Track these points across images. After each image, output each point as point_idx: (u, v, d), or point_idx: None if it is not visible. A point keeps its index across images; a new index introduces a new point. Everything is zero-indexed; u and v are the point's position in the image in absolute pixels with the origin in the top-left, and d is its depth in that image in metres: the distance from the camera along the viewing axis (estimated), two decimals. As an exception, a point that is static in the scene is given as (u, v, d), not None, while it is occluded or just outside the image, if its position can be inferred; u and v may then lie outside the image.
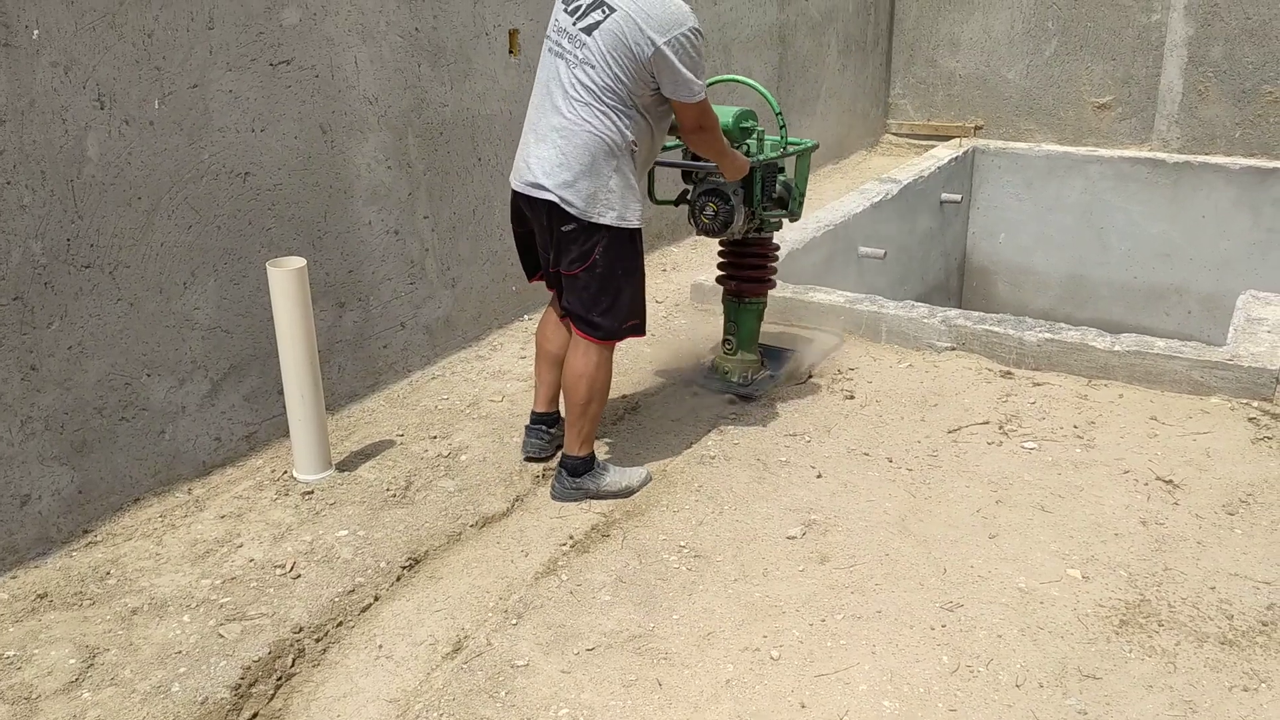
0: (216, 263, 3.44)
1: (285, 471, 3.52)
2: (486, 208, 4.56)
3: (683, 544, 3.16)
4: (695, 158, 3.82)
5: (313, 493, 3.40)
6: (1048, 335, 4.30)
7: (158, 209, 3.23)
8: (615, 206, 3.21)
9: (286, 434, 3.55)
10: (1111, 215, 7.65)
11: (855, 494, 3.42)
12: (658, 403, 4.09)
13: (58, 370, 3.02)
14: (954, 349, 4.47)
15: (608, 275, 3.27)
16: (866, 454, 3.67)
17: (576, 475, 3.39)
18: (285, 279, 3.27)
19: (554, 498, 3.40)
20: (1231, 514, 3.27)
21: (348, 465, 3.58)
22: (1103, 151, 7.72)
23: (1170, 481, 3.46)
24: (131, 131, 3.12)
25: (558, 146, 3.18)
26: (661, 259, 5.76)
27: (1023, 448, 3.71)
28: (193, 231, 3.34)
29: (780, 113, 3.94)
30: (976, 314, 4.58)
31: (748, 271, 4.13)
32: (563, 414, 3.53)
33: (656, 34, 3.09)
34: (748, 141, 3.85)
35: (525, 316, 4.90)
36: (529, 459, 3.62)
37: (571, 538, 3.20)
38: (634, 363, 4.42)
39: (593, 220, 3.19)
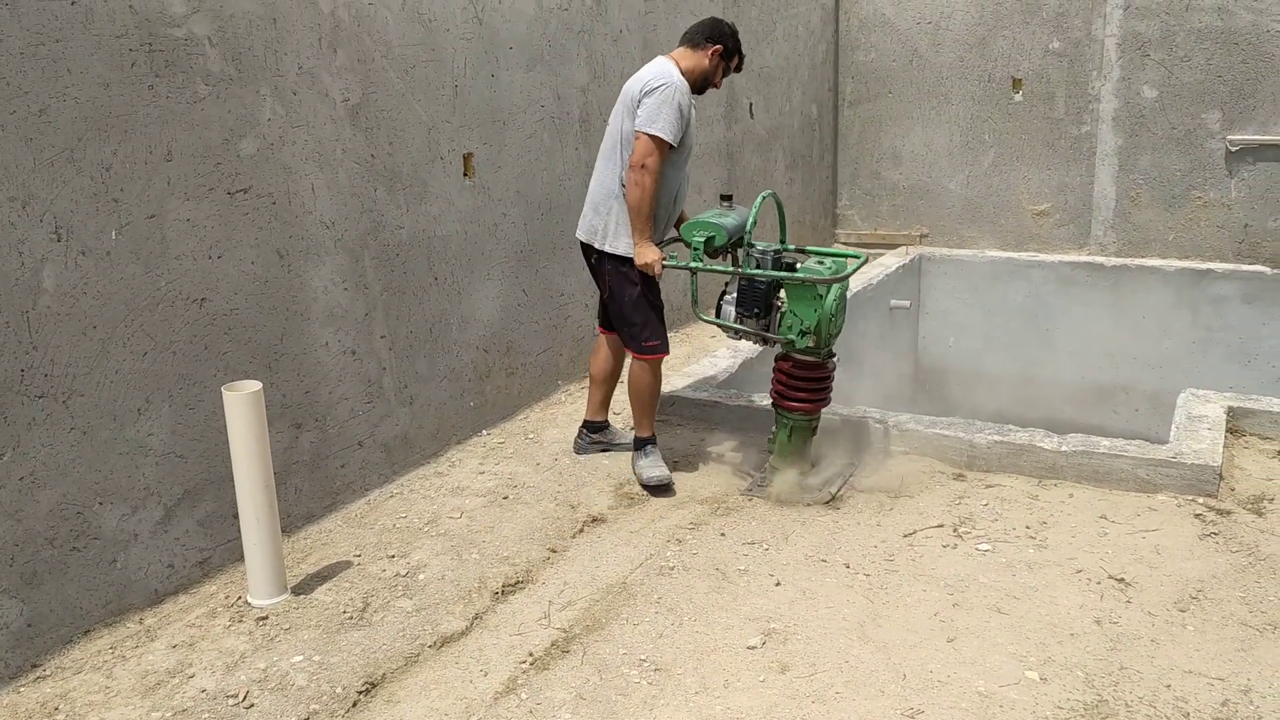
0: (171, 388, 3.45)
1: (240, 597, 3.48)
2: (443, 325, 4.63)
3: (643, 657, 3.14)
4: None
5: (267, 618, 3.35)
6: (997, 437, 4.39)
7: (113, 337, 3.25)
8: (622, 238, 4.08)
9: (241, 558, 3.52)
10: (1056, 317, 7.87)
11: (814, 601, 3.43)
12: (618, 514, 4.10)
13: (9, 501, 3.00)
14: (906, 452, 4.54)
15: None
16: (824, 560, 3.69)
17: (635, 449, 4.36)
18: (240, 403, 3.29)
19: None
20: (1183, 611, 3.31)
21: (304, 588, 3.54)
22: (1044, 256, 7.99)
23: (1122, 580, 3.51)
24: (88, 262, 3.16)
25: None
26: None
27: (977, 550, 3.75)
28: (148, 358, 3.36)
29: (783, 236, 4.27)
30: (927, 418, 4.67)
31: (776, 382, 4.20)
32: (609, 422, 4.69)
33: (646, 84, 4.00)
34: (739, 250, 4.14)
35: (484, 431, 4.92)
36: (576, 451, 4.66)
37: (531, 655, 3.17)
38: (592, 475, 4.44)
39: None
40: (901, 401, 7.87)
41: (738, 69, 4.37)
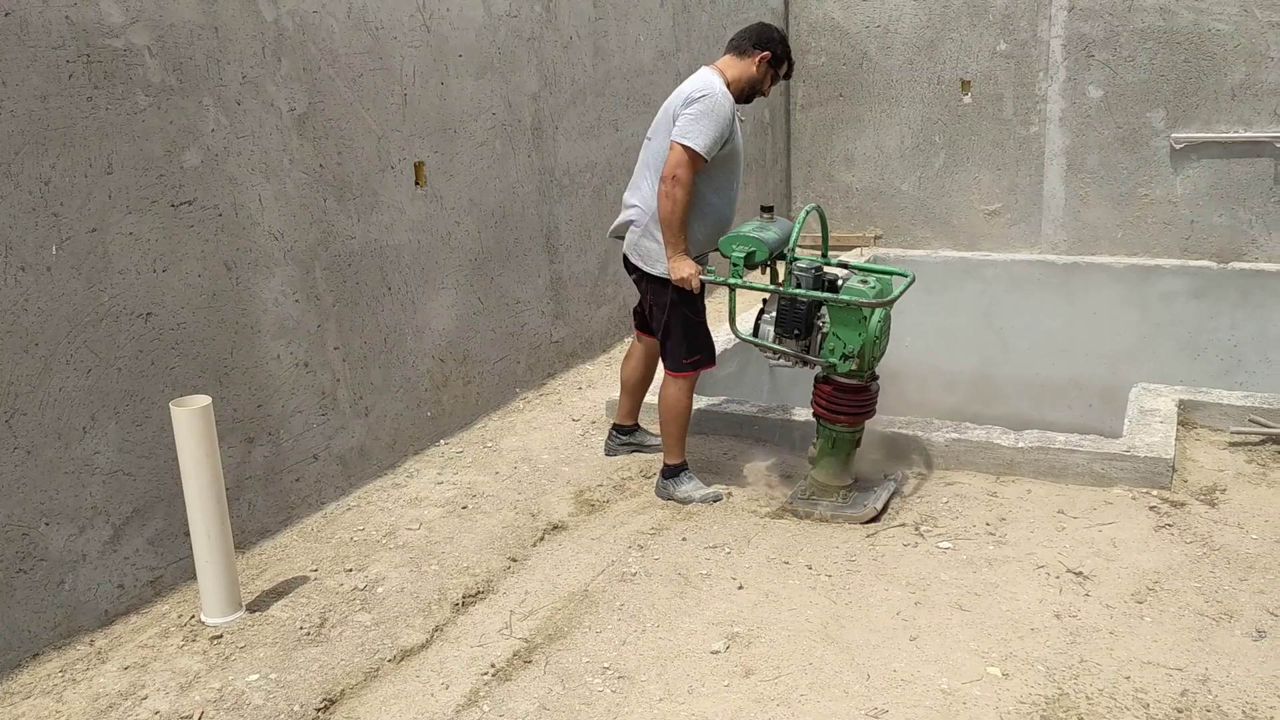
0: (118, 405, 3.37)
1: (193, 616, 3.40)
2: (398, 335, 4.58)
3: (606, 665, 3.11)
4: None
5: (222, 636, 3.29)
6: (954, 435, 4.42)
7: (56, 354, 3.17)
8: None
9: (194, 577, 3.45)
10: (1009, 315, 7.94)
11: (777, 603, 3.42)
12: (579, 521, 4.07)
13: (-52, 524, 2.91)
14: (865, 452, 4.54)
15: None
16: (786, 562, 3.69)
17: (664, 478, 4.23)
18: (189, 418, 3.22)
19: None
20: (1140, 603, 3.34)
21: (259, 605, 3.47)
22: (996, 255, 8.06)
23: (1080, 573, 3.54)
24: (28, 278, 3.08)
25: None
26: (577, 377, 5.81)
27: (938, 547, 3.76)
28: (92, 375, 3.29)
29: (825, 249, 4.15)
30: (885, 417, 4.68)
31: (817, 402, 4.01)
32: (639, 425, 4.67)
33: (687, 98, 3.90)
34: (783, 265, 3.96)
35: (442, 441, 4.87)
36: (606, 454, 4.66)
37: (493, 666, 3.13)
38: (552, 482, 4.41)
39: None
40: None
41: (787, 76, 4.21)
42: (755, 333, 4.04)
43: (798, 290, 3.85)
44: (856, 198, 8.63)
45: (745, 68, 4.05)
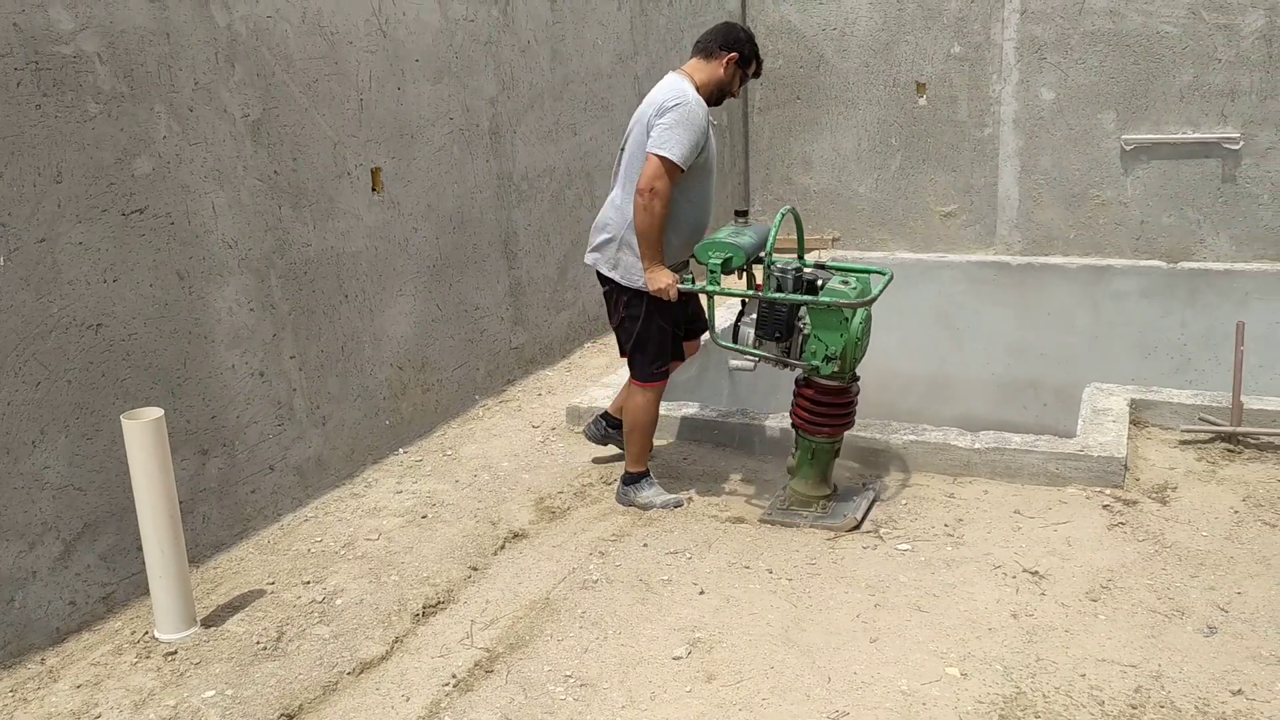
0: (68, 419, 3.31)
1: (146, 632, 3.35)
2: (356, 344, 4.54)
3: (568, 673, 3.10)
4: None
5: (176, 653, 3.24)
6: (912, 437, 4.46)
7: (3, 367, 3.11)
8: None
9: (147, 592, 3.39)
10: (965, 316, 8.03)
11: (738, 608, 3.43)
12: (539, 529, 4.06)
13: (-108, 543, 2.84)
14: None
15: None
16: (747, 567, 3.70)
17: (624, 484, 4.21)
18: (141, 431, 3.17)
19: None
20: (1094, 600, 3.39)
21: (214, 620, 3.42)
22: (952, 257, 8.15)
23: (1036, 573, 3.58)
24: (-27, 289, 3.02)
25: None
26: (537, 383, 5.79)
27: (897, 550, 3.79)
28: (41, 388, 3.23)
29: (801, 252, 4.10)
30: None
31: (798, 407, 3.98)
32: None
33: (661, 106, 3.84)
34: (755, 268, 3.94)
35: (401, 450, 4.83)
36: (587, 435, 4.60)
37: (455, 676, 3.11)
38: (513, 490, 4.40)
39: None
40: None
41: (756, 75, 4.16)
42: (735, 337, 4.02)
43: (778, 295, 3.84)
44: (814, 200, 8.68)
45: (713, 70, 4.01)
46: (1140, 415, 4.78)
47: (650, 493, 4.18)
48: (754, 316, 3.95)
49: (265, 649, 3.27)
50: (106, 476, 3.43)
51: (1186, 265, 7.44)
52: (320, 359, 4.35)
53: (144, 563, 3.33)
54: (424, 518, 4.16)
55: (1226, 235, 7.40)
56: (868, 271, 4.03)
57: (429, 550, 3.89)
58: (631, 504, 4.18)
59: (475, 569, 3.75)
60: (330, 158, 4.33)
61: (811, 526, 3.96)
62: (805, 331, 3.85)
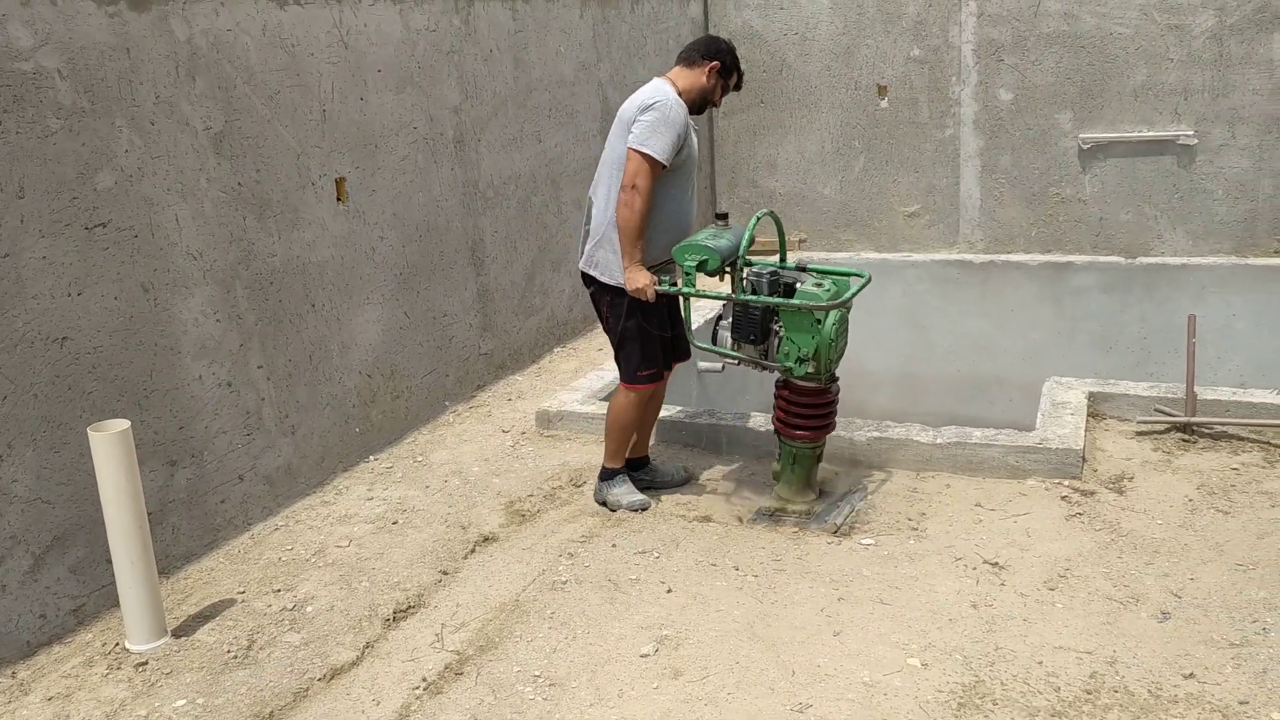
0: (35, 432, 3.33)
1: (117, 643, 3.37)
2: (324, 352, 4.56)
3: (537, 674, 3.15)
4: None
5: (147, 663, 3.26)
6: (875, 434, 4.53)
7: (-32, 382, 3.12)
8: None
9: (117, 604, 3.41)
10: (931, 315, 8.14)
11: (705, 605, 3.49)
12: (509, 532, 4.10)
13: None
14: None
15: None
16: (714, 564, 3.76)
17: (600, 480, 4.27)
18: (108, 443, 3.19)
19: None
20: (1052, 589, 3.47)
21: (185, 630, 3.44)
22: (916, 256, 8.25)
23: (996, 564, 3.66)
24: (-63, 305, 3.03)
25: None
26: (507, 388, 5.83)
27: (860, 544, 3.86)
28: (8, 402, 3.24)
29: (783, 254, 4.16)
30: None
31: (778, 410, 4.03)
32: (648, 457, 4.48)
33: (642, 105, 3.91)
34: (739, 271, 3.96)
35: (371, 457, 4.86)
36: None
37: (425, 680, 3.15)
38: (483, 494, 4.43)
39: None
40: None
41: (737, 87, 4.23)
42: (713, 340, 4.09)
43: (750, 297, 3.89)
44: (780, 202, 8.76)
45: (695, 77, 4.08)
46: (1098, 408, 4.88)
47: (620, 490, 4.23)
48: (730, 320, 4.01)
49: (236, 657, 3.29)
50: (74, 489, 3.44)
51: (1144, 260, 7.58)
52: (288, 368, 4.37)
53: (113, 575, 3.34)
54: (395, 524, 4.20)
55: (1183, 230, 7.54)
56: (846, 274, 4.06)
57: (400, 556, 3.92)
58: (603, 501, 4.24)
59: (446, 573, 3.79)
60: (294, 168, 4.36)
61: (797, 529, 3.98)
62: (781, 334, 3.90)
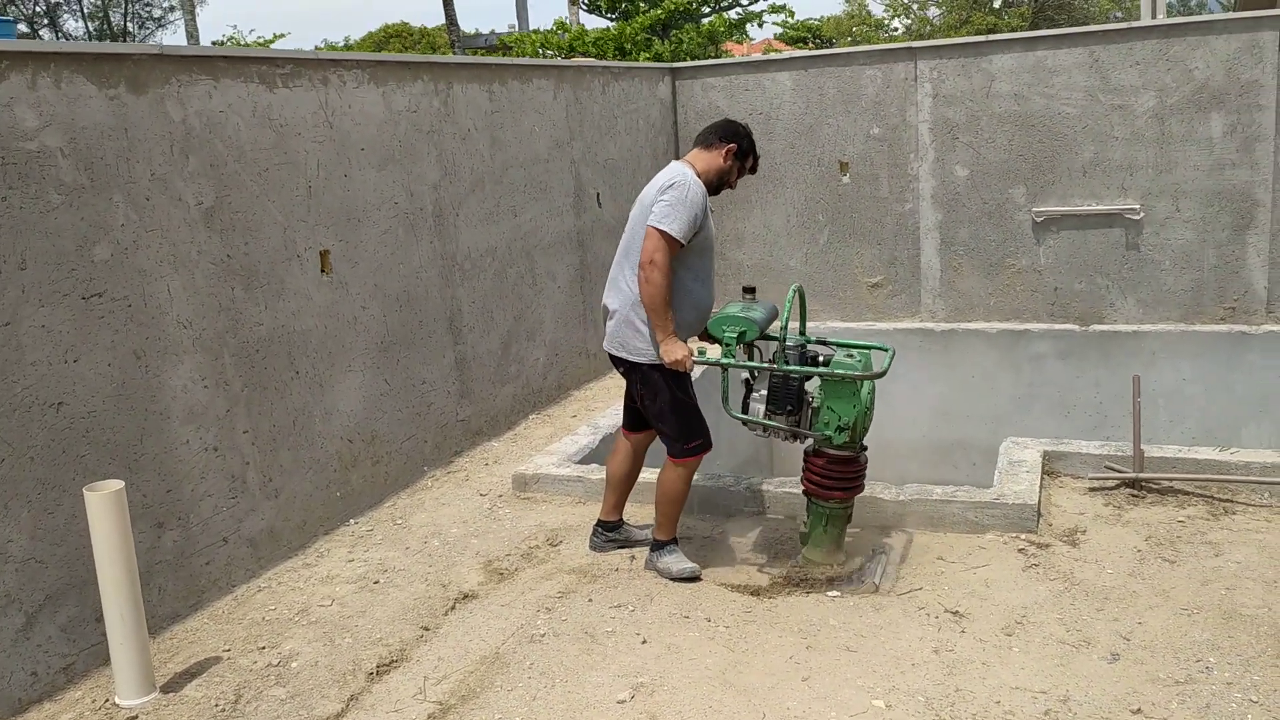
0: (29, 494, 3.45)
1: (107, 699, 3.45)
2: (306, 418, 4.71)
3: (518, 722, 3.26)
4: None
5: (137, 717, 3.34)
6: (841, 492, 4.70)
7: (-31, 444, 3.25)
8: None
9: (107, 662, 3.50)
10: (895, 381, 8.32)
11: (679, 654, 3.62)
12: (489, 589, 4.22)
13: None
14: (761, 513, 4.81)
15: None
16: (687, 617, 3.89)
17: (650, 550, 4.31)
18: (103, 502, 3.32)
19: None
20: (1009, 635, 3.64)
21: (173, 686, 3.53)
22: (881, 325, 8.52)
23: (957, 612, 3.82)
24: (-58, 370, 3.17)
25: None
26: (484, 454, 5.97)
27: (828, 596, 4.02)
28: (5, 465, 3.36)
29: (803, 328, 4.28)
30: (776, 479, 4.97)
31: (809, 476, 4.14)
32: (623, 520, 4.57)
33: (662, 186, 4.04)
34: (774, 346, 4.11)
35: (352, 520, 4.98)
36: (592, 549, 4.54)
37: (408, 731, 3.25)
38: (462, 554, 4.56)
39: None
40: (759, 468, 8.21)
41: (753, 169, 4.34)
42: (744, 410, 4.21)
43: (793, 367, 4.02)
44: (748, 274, 9.04)
45: (713, 159, 4.20)
46: (1053, 466, 5.09)
47: (669, 559, 4.24)
48: (763, 391, 4.14)
49: (223, 711, 3.38)
50: (67, 550, 3.55)
51: (1098, 328, 7.88)
52: (272, 433, 4.51)
53: (103, 633, 3.44)
54: (376, 583, 4.31)
55: (1133, 299, 7.86)
56: (870, 348, 4.25)
57: (381, 613, 4.03)
58: (654, 568, 4.27)
59: (427, 629, 3.90)
60: (281, 241, 4.55)
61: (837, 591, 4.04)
62: (814, 404, 4.07)
